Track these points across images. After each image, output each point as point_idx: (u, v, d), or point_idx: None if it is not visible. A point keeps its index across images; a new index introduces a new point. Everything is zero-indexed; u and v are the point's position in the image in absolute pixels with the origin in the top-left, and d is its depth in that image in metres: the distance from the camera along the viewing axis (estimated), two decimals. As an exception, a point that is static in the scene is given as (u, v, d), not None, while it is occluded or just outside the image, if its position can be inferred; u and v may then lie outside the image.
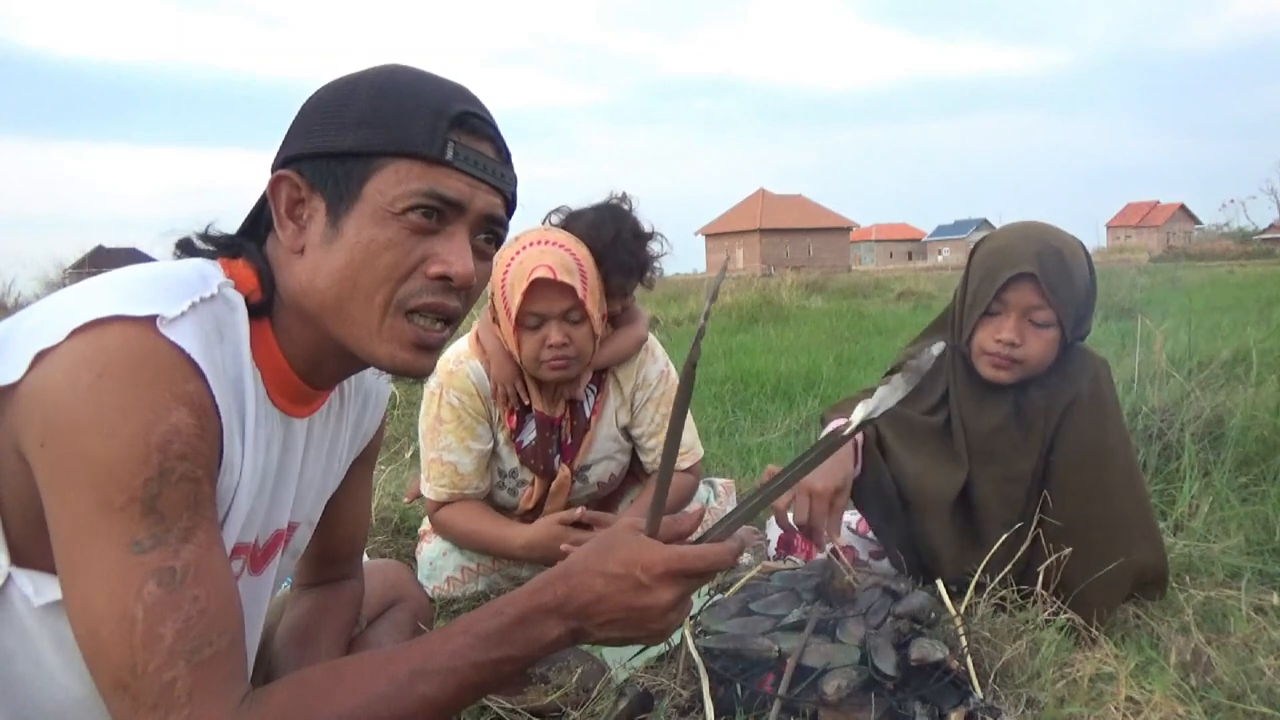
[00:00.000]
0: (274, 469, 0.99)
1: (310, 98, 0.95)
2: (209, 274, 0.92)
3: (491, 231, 0.98)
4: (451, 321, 0.97)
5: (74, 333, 0.79)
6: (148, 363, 0.80)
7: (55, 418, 0.78)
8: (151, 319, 0.81)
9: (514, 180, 0.99)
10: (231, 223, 1.01)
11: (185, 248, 0.98)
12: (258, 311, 0.94)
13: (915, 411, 1.92)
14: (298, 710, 0.82)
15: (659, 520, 0.94)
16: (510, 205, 1.00)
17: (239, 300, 0.92)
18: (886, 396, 0.86)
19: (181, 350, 0.82)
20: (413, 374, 0.97)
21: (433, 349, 0.96)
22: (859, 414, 0.88)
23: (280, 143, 0.96)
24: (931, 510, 1.83)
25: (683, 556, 0.90)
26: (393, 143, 0.90)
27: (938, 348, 0.90)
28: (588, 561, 0.91)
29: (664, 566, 0.89)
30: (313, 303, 0.93)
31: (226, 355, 0.89)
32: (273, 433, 0.97)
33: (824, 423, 1.99)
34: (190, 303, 0.85)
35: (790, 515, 1.71)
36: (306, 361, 0.98)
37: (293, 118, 0.96)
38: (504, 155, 0.97)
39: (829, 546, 1.73)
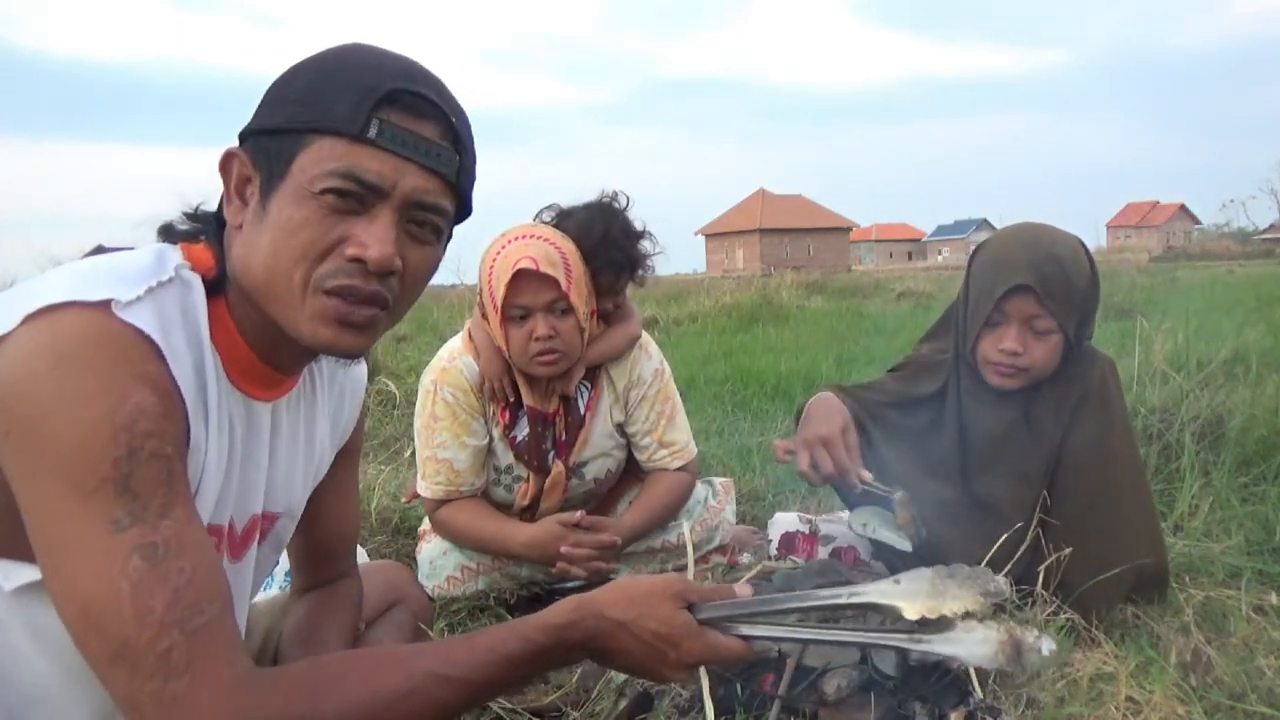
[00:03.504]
0: (239, 451, 0.98)
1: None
2: (167, 257, 0.91)
3: (425, 218, 0.92)
4: (378, 305, 0.92)
5: (27, 319, 0.79)
6: (105, 346, 0.80)
7: (17, 406, 0.77)
8: (105, 303, 0.81)
9: (456, 164, 0.92)
10: None
11: (166, 234, 0.97)
12: (217, 290, 0.94)
13: (911, 393, 1.90)
14: (307, 690, 0.82)
15: (724, 623, 1.00)
16: (460, 192, 0.95)
17: (196, 280, 0.92)
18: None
19: (139, 332, 0.82)
20: (338, 352, 0.93)
21: (359, 327, 0.92)
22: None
23: None
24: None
25: (717, 651, 0.98)
26: (316, 120, 0.87)
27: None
28: (623, 612, 0.96)
29: (699, 659, 0.98)
30: (248, 281, 0.92)
31: (185, 337, 0.88)
32: (234, 414, 0.96)
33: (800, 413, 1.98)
34: (147, 287, 0.85)
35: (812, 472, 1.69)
36: (262, 341, 0.96)
37: None
38: (450, 136, 0.92)
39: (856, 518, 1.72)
